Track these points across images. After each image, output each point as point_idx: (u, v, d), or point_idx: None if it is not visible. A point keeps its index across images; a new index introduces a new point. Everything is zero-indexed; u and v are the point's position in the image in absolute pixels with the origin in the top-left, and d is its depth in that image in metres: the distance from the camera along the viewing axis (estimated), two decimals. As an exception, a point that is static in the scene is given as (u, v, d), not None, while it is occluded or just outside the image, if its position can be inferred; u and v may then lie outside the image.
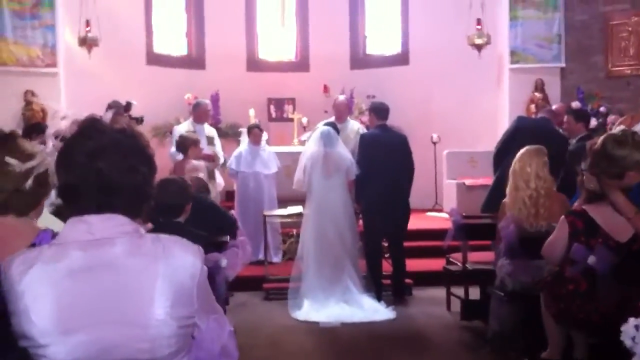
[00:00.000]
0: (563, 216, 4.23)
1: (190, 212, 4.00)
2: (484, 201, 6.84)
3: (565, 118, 7.33)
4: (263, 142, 8.49)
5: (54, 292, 1.70)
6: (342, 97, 8.76)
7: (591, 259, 3.98)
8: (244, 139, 8.65)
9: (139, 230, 1.82)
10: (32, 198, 2.29)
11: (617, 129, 3.70)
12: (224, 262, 3.90)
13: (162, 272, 1.73)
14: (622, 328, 3.14)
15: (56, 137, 1.99)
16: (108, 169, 1.77)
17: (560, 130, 7.14)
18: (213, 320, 1.87)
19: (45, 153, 2.27)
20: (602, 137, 3.52)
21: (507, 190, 5.05)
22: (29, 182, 2.16)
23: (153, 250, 1.76)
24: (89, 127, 1.83)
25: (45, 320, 1.69)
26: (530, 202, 4.90)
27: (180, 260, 1.77)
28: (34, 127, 6.84)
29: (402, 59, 11.90)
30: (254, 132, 8.38)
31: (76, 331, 1.70)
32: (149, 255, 1.75)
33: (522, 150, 5.09)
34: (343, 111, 8.31)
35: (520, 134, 6.46)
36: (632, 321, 3.13)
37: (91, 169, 1.76)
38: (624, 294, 3.94)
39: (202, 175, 6.18)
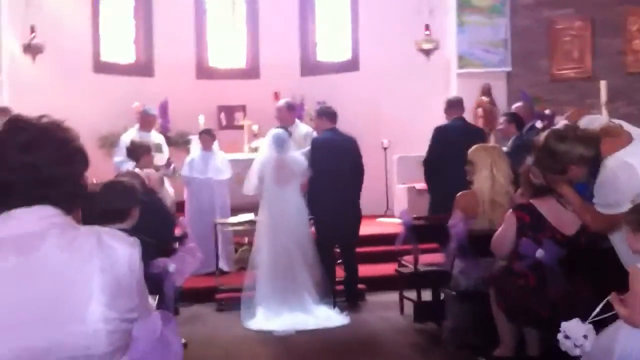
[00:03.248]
0: (510, 210, 4.28)
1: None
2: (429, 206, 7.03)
3: (501, 120, 7.79)
4: (215, 148, 8.37)
5: None
6: (281, 102, 8.62)
7: (539, 253, 4.03)
8: (195, 146, 8.55)
9: (70, 222, 1.75)
10: None
11: (560, 124, 3.74)
12: (171, 267, 3.80)
13: (99, 265, 1.66)
14: (558, 336, 3.15)
15: None
16: (41, 161, 1.70)
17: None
18: (153, 316, 1.80)
19: None
20: (545, 133, 3.56)
21: (474, 183, 5.07)
22: None
23: (87, 243, 1.69)
24: (14, 122, 1.77)
25: None
26: (490, 204, 4.95)
27: (117, 252, 1.70)
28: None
29: (352, 65, 11.93)
30: (203, 137, 8.27)
31: (8, 335, 1.60)
32: (83, 249, 1.68)
33: (483, 149, 5.16)
34: (283, 116, 8.11)
35: (442, 141, 6.95)
36: (563, 326, 3.14)
37: (23, 163, 1.69)
38: (572, 287, 4.00)
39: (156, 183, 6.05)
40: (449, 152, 6.78)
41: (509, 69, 9.96)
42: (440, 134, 7.10)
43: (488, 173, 5.04)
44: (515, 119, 7.47)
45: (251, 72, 12.20)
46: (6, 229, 1.69)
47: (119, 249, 1.71)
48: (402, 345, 5.66)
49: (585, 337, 3.09)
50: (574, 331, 3.10)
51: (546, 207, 4.14)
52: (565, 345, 3.10)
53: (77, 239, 1.70)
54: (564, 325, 3.13)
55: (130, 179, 4.63)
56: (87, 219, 1.94)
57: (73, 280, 1.65)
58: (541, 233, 4.09)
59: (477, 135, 7.19)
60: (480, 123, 9.41)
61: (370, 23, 11.60)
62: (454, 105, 7.37)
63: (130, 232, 3.61)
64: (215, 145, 8.45)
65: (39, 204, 1.71)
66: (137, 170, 5.56)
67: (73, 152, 1.79)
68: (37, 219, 1.70)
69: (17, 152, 1.70)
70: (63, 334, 1.62)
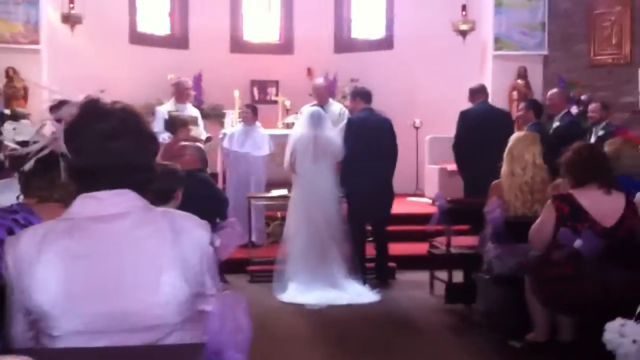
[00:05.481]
0: (549, 201, 4.31)
1: (188, 190, 3.96)
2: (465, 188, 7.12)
3: (521, 105, 8.02)
4: (258, 123, 8.45)
5: (65, 264, 1.73)
6: (320, 80, 8.71)
7: (577, 243, 4.07)
8: (229, 120, 8.63)
9: (148, 204, 1.85)
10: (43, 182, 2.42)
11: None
12: (217, 242, 3.90)
13: (171, 242, 1.78)
14: (606, 328, 3.08)
15: (58, 121, 2.04)
16: (122, 150, 1.80)
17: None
18: (225, 296, 1.90)
19: (47, 137, 2.38)
20: None
21: (502, 173, 5.13)
22: (30, 163, 2.27)
23: (162, 222, 1.81)
24: (94, 108, 1.85)
25: (56, 292, 1.72)
26: (527, 189, 5.00)
27: (188, 231, 1.82)
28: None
29: (386, 43, 11.90)
30: (245, 112, 8.36)
31: (86, 302, 1.72)
32: (158, 227, 1.80)
33: (518, 137, 5.20)
34: (323, 94, 8.26)
35: (468, 125, 7.13)
36: (615, 323, 3.08)
37: (106, 150, 1.79)
38: (609, 278, 4.04)
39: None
40: (476, 136, 6.93)
41: (546, 52, 9.90)
42: (465, 118, 7.24)
43: (520, 164, 5.07)
44: (533, 105, 7.52)
45: (285, 47, 12.22)
46: (87, 208, 1.80)
47: (190, 229, 1.83)
48: (433, 325, 5.75)
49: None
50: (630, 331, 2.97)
51: (586, 198, 4.17)
52: (607, 336, 3.04)
53: (152, 219, 1.82)
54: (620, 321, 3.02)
55: (195, 151, 4.75)
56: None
57: (147, 254, 1.77)
58: (580, 223, 4.12)
59: (502, 118, 7.35)
60: (515, 106, 9.41)
61: (406, 1, 11.54)
62: (477, 92, 7.52)
63: (182, 209, 3.74)
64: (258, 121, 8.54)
65: (118, 187, 1.82)
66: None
67: (148, 139, 1.90)
68: (117, 202, 1.80)
69: (98, 139, 1.79)
70: (138, 304, 1.74)
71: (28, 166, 2.38)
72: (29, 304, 1.75)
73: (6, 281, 1.80)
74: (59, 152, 1.95)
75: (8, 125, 2.96)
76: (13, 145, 2.40)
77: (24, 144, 2.76)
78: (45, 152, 2.36)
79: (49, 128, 2.47)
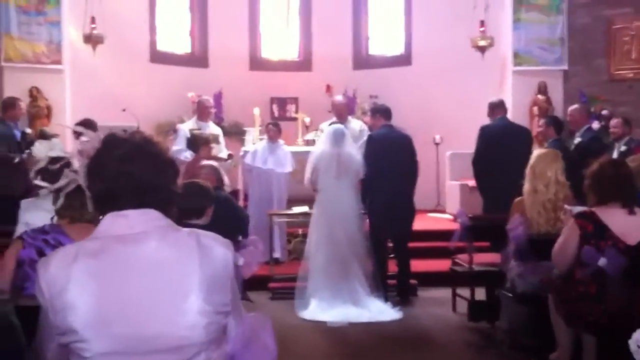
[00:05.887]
0: (572, 219, 4.27)
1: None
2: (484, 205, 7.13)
3: (541, 122, 8.05)
4: (281, 140, 8.50)
5: (96, 286, 1.77)
6: (340, 98, 8.77)
7: (602, 261, 4.02)
8: (249, 139, 8.69)
9: (172, 224, 1.90)
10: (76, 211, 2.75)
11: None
12: (240, 261, 3.94)
13: (198, 262, 1.81)
14: (634, 333, 3.11)
15: (81, 156, 2.13)
16: (138, 171, 1.86)
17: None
18: (251, 317, 1.92)
19: (72, 172, 2.64)
20: None
21: (525, 191, 5.10)
22: (61, 200, 2.87)
23: (188, 242, 1.84)
24: (112, 139, 1.93)
25: (88, 313, 1.75)
26: (551, 206, 4.97)
27: (213, 251, 1.85)
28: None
29: (404, 59, 11.95)
30: (269, 128, 8.44)
31: (117, 323, 1.75)
32: (184, 247, 1.83)
33: (539, 154, 5.16)
34: (342, 111, 8.34)
35: (487, 141, 7.13)
36: None
37: (122, 172, 1.85)
38: (633, 296, 4.00)
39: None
40: (496, 152, 6.92)
41: (565, 67, 9.88)
42: (484, 133, 7.23)
43: (543, 181, 5.05)
44: (554, 122, 7.50)
45: (304, 64, 12.31)
46: (116, 227, 1.84)
47: (215, 249, 1.87)
48: (455, 343, 5.73)
49: None
50: None
51: (609, 216, 4.13)
52: (634, 339, 3.05)
53: (179, 239, 1.86)
54: None
55: (210, 170, 4.83)
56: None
57: (175, 275, 1.80)
58: (603, 242, 4.08)
59: (521, 134, 7.33)
60: (535, 122, 9.38)
61: (423, 17, 11.60)
62: (496, 107, 7.50)
63: (206, 228, 3.80)
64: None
65: (143, 207, 1.86)
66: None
67: (165, 163, 1.95)
68: (144, 221, 1.85)
69: (115, 163, 1.86)
70: (166, 324, 1.77)
71: (60, 203, 2.96)
72: (62, 325, 1.78)
73: (40, 303, 1.84)
74: (84, 185, 2.03)
75: (39, 145, 3.38)
76: (43, 184, 2.84)
77: (56, 159, 3.01)
78: (73, 186, 2.67)
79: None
